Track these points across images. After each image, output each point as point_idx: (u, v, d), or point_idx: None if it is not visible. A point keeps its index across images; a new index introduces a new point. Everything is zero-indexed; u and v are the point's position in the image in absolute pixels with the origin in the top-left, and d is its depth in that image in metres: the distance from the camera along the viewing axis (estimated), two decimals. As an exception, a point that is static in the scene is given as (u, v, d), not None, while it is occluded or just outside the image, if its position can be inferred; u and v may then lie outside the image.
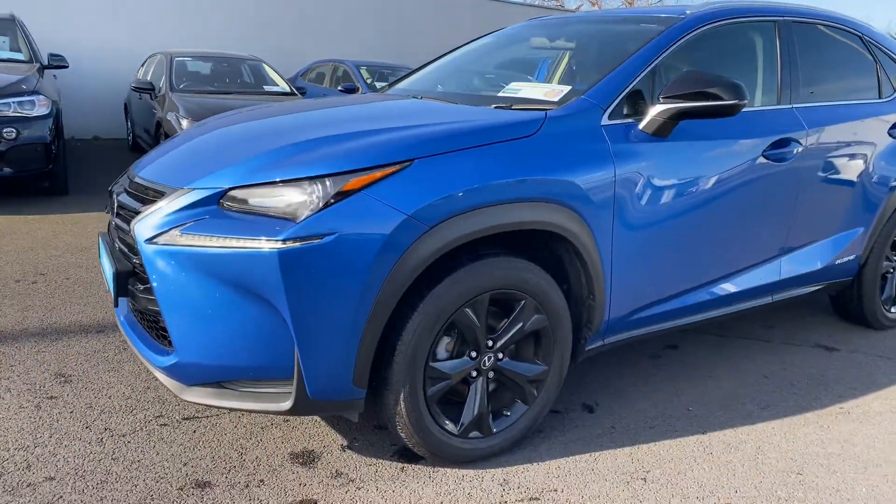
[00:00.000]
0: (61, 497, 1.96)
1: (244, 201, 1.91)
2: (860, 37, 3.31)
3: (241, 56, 9.19)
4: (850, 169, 3.08)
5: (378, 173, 1.89)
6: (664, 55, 2.51)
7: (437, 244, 1.92)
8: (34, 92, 5.99)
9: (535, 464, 2.25)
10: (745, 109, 2.71)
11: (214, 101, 7.19)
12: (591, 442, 2.40)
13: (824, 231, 3.08)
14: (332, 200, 1.84)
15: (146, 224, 1.95)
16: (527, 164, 2.09)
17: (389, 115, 2.57)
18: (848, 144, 3.06)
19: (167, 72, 8.00)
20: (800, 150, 2.80)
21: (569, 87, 2.47)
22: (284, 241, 1.79)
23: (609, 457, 2.31)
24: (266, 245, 1.80)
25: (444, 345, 2.13)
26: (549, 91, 2.48)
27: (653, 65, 2.47)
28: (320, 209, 1.83)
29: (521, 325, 2.19)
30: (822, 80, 3.12)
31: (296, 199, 1.87)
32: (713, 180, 2.52)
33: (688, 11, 2.75)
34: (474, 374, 2.16)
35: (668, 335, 3.40)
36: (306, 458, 2.21)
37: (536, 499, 2.06)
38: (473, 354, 2.14)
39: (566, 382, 2.85)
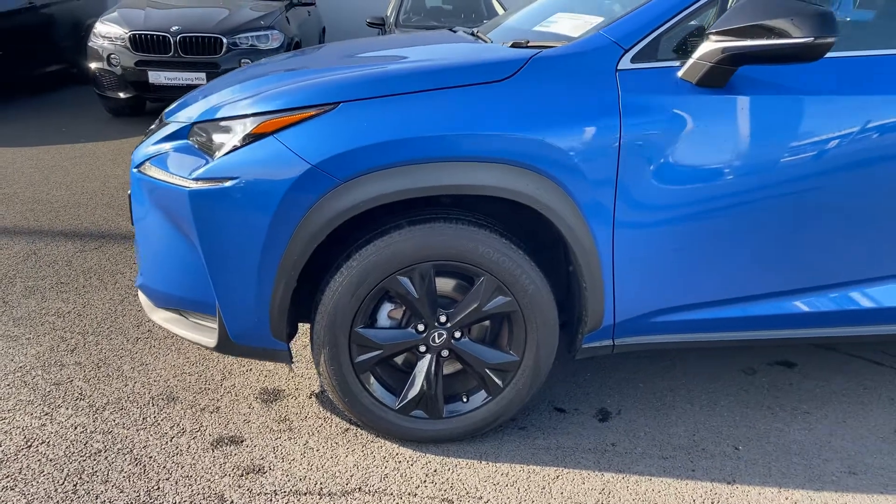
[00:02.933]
0: (71, 381, 2.31)
1: (207, 137, 1.91)
2: None
3: (475, -11, 9.17)
4: None
5: (295, 116, 1.74)
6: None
7: (351, 202, 1.72)
8: (270, 27, 6.78)
9: (484, 462, 1.96)
10: (883, 52, 1.88)
11: (428, 35, 7.36)
12: (570, 455, 2.00)
13: None
14: (242, 143, 1.75)
15: (137, 152, 2.09)
16: (486, 114, 1.73)
17: (396, 52, 2.32)
18: None
19: (397, 5, 8.40)
20: None
21: (600, 19, 1.94)
22: (196, 180, 1.78)
23: (576, 478, 1.91)
24: (182, 183, 1.80)
25: (388, 311, 1.94)
26: (580, 24, 1.99)
27: (723, -12, 1.81)
28: (229, 151, 1.76)
29: (476, 304, 1.88)
30: None
31: (223, 139, 1.83)
32: (796, 154, 1.79)
33: None
34: (423, 349, 1.94)
35: (781, 347, 2.63)
36: (270, 397, 2.25)
37: (450, 501, 1.81)
38: (421, 328, 1.91)
39: (597, 379, 2.41)
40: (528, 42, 2.01)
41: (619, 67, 1.77)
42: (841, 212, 1.87)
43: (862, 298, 2.01)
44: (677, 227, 1.84)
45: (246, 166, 1.73)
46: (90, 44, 6.54)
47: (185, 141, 1.95)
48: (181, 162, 1.88)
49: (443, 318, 1.91)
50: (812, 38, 1.56)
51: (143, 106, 7.05)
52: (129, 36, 6.29)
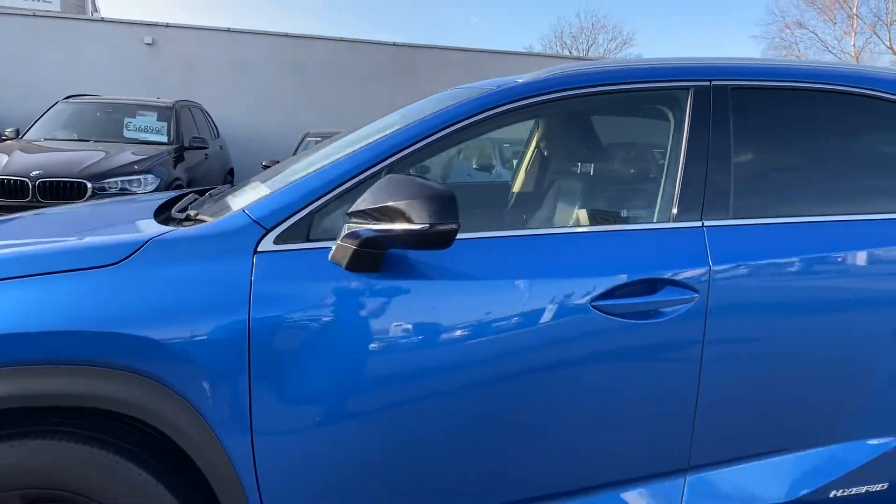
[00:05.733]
0: None
1: None
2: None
3: (374, 135, 9.41)
4: (852, 333, 1.74)
5: None
6: (414, 148, 1.64)
7: None
8: (145, 171, 6.64)
9: None
10: (577, 230, 1.71)
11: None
12: None
13: (789, 437, 1.76)
14: None
15: None
16: (81, 307, 1.43)
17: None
18: (844, 288, 1.74)
19: (296, 147, 8.49)
20: (693, 300, 1.63)
21: (267, 192, 1.73)
22: None
23: None
24: None
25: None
26: (251, 197, 1.77)
27: (388, 161, 1.62)
28: None
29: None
30: (806, 179, 1.88)
31: None
32: (459, 347, 1.52)
33: (519, 80, 1.83)
34: None
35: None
36: None
37: None
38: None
39: None
40: (196, 215, 1.79)
41: (258, 250, 1.53)
42: (553, 407, 1.60)
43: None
44: (337, 437, 1.52)
45: None
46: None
47: None
48: None
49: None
50: (428, 225, 1.35)
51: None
52: (-16, 181, 6.04)
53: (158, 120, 8.12)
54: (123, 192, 6.39)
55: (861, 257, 1.72)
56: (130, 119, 8.04)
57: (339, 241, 1.50)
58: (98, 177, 6.26)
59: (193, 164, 8.05)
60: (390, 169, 1.63)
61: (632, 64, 1.88)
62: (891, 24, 26.88)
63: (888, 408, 1.77)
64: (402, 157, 1.64)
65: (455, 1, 51.69)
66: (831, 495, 1.77)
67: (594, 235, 1.68)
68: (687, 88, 1.81)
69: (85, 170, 6.27)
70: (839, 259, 1.72)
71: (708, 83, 1.82)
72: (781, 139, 1.89)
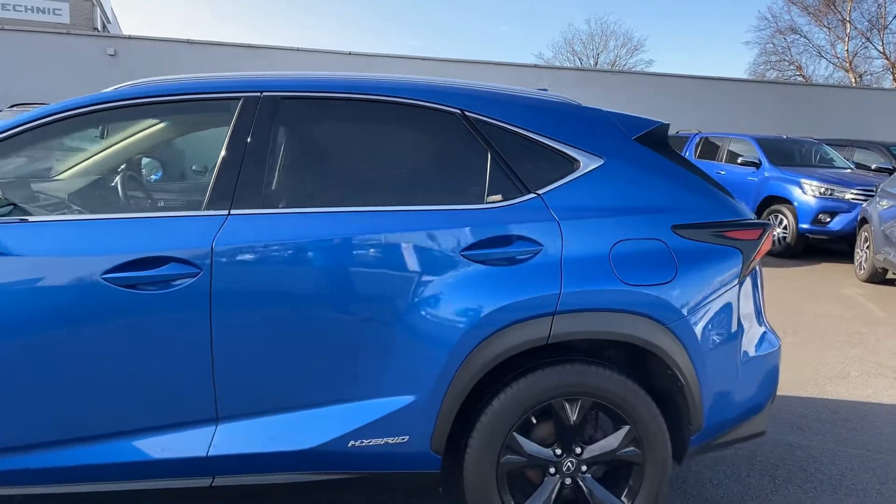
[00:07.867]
0: None
1: None
2: (458, 113, 2.20)
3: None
4: (335, 307, 2.00)
5: None
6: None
7: None
8: (60, 175, 7.13)
9: None
10: (100, 216, 2.06)
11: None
12: None
13: (305, 395, 2.04)
14: None
15: None
16: None
17: None
18: (347, 269, 2.00)
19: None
20: (196, 275, 1.93)
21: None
22: None
23: None
24: None
25: None
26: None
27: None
28: None
29: None
30: (333, 176, 2.20)
31: None
32: None
33: (108, 90, 2.18)
34: None
35: None
36: None
37: None
38: None
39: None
40: None
41: None
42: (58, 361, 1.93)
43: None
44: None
45: None
46: None
47: None
48: None
49: None
50: None
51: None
52: None
53: (94, 127, 8.63)
54: None
55: (362, 241, 1.99)
56: (68, 126, 8.56)
57: None
58: (11, 180, 6.75)
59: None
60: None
61: (192, 79, 2.21)
62: (883, 30, 26.53)
63: (402, 370, 2.04)
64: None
65: (486, 10, 53.42)
66: (349, 445, 2.05)
67: (118, 221, 2.02)
68: (238, 98, 2.13)
69: (-1, 174, 6.76)
70: (345, 243, 2.00)
71: (259, 94, 2.14)
72: (317, 142, 2.20)
